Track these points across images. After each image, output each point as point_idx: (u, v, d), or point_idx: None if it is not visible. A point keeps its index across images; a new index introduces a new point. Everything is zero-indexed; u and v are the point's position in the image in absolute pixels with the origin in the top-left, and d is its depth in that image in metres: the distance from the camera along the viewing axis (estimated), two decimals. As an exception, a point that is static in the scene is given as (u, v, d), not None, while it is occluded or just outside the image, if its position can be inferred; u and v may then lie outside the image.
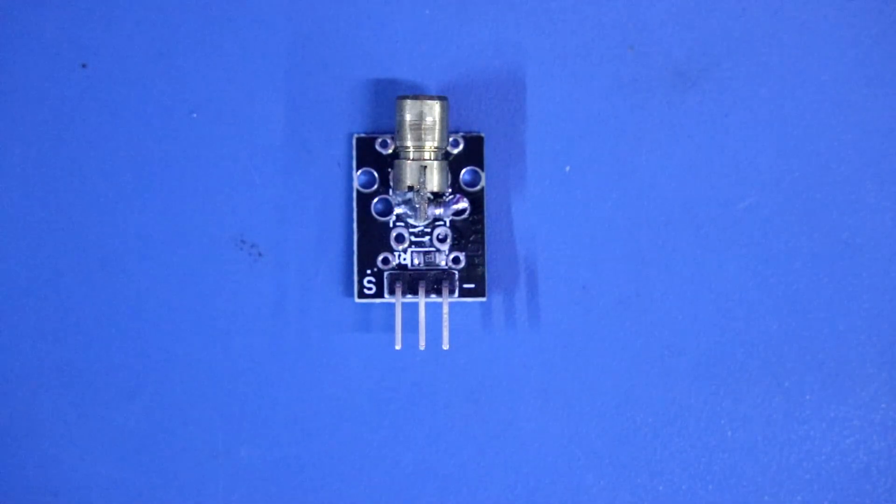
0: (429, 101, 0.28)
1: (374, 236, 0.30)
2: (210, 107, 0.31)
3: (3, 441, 0.31)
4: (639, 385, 0.31)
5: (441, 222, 0.30)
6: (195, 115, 0.31)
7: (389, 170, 0.30)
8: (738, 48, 0.31)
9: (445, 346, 0.29)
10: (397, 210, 0.30)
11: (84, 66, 0.31)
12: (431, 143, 0.28)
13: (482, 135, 0.30)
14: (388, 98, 0.31)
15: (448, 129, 0.29)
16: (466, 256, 0.30)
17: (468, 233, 0.30)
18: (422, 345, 0.29)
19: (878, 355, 0.31)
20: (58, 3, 0.30)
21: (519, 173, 0.31)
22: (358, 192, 0.30)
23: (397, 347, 0.29)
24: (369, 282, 0.30)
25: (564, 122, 0.31)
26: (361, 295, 0.30)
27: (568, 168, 0.31)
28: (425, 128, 0.28)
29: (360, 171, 0.30)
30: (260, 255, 0.31)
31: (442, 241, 0.30)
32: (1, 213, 0.31)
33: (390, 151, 0.30)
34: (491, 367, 0.31)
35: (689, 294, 0.31)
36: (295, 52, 0.31)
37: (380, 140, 0.30)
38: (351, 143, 0.30)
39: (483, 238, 0.30)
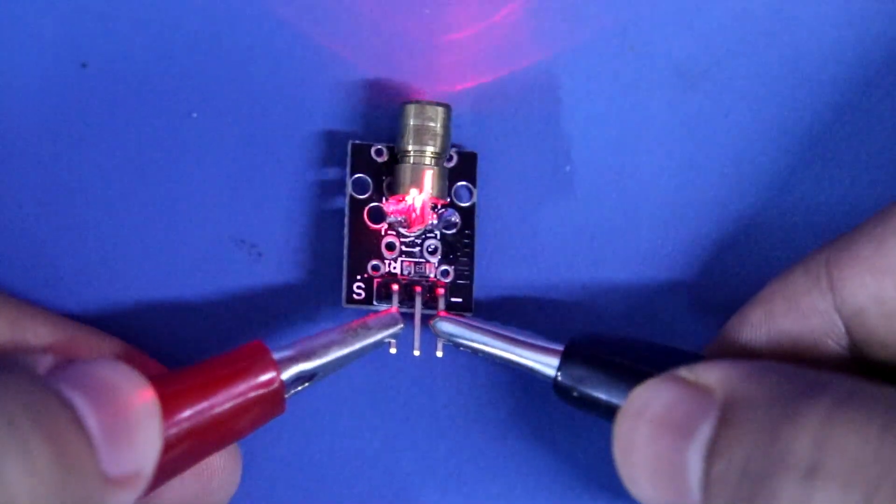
0: (433, 107, 0.28)
1: (365, 243, 0.30)
2: (210, 107, 0.31)
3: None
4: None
5: (432, 234, 0.30)
6: (195, 115, 0.31)
7: (384, 178, 0.30)
8: (738, 48, 0.31)
9: (417, 353, 0.29)
10: (390, 219, 0.29)
11: (84, 65, 0.31)
12: (433, 149, 0.28)
13: (475, 152, 0.30)
14: (382, 107, 0.31)
15: (450, 137, 0.29)
16: (455, 270, 0.30)
17: (458, 247, 0.30)
18: (416, 351, 0.29)
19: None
20: (58, 3, 0.30)
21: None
22: (351, 197, 0.30)
23: (392, 352, 0.29)
24: (359, 287, 0.29)
25: (564, 122, 0.31)
26: (350, 300, 0.29)
27: (568, 168, 0.31)
28: (428, 133, 0.28)
29: (354, 177, 0.30)
30: (260, 255, 0.31)
31: (432, 253, 0.30)
32: (1, 213, 0.31)
33: (385, 160, 0.30)
34: (484, 372, 0.31)
35: (692, 295, 0.31)
36: (296, 52, 0.31)
37: (375, 148, 0.30)
38: (346, 149, 0.30)
39: (472, 253, 0.30)
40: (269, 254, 0.31)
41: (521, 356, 0.27)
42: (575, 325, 0.30)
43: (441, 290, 0.29)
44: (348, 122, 0.31)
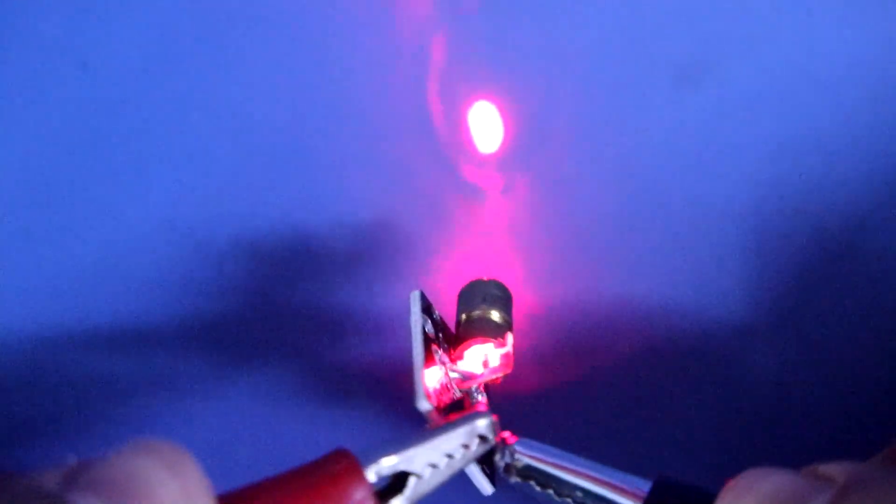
0: (492, 282, 0.29)
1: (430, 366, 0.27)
2: (210, 107, 0.31)
3: (3, 441, 0.31)
4: (641, 380, 0.31)
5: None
6: (195, 115, 0.31)
7: (437, 349, 0.28)
8: (738, 48, 0.31)
9: (489, 490, 0.26)
10: (453, 373, 0.28)
11: (84, 65, 0.30)
12: (503, 315, 0.28)
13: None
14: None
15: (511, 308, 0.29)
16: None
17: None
18: (489, 488, 0.26)
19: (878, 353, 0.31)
20: (58, 3, 0.30)
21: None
22: (424, 333, 0.27)
23: (489, 492, 0.26)
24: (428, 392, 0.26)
25: (565, 121, 0.31)
26: (425, 401, 0.25)
27: (569, 168, 0.31)
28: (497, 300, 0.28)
29: (425, 320, 0.27)
30: (259, 254, 0.31)
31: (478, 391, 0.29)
32: (1, 212, 0.31)
33: (436, 323, 0.28)
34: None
35: (693, 295, 0.31)
36: (294, 54, 0.31)
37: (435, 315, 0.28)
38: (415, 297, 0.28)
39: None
40: (269, 253, 0.31)
41: (602, 495, 0.24)
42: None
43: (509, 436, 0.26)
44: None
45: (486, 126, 0.31)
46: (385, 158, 0.31)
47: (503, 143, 0.31)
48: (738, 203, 0.31)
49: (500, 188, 0.31)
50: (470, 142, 0.31)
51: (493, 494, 0.25)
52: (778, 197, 0.31)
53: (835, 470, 0.20)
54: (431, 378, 0.26)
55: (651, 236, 0.31)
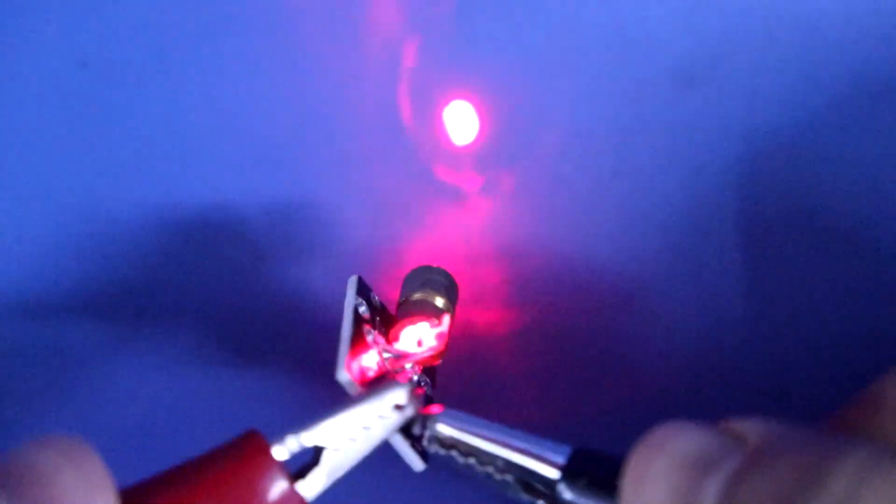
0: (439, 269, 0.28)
1: (360, 344, 0.26)
2: (210, 107, 0.31)
3: (3, 441, 0.31)
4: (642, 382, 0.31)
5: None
6: (194, 115, 0.31)
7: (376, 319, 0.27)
8: (738, 48, 0.31)
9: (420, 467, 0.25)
10: (387, 354, 0.27)
11: (84, 65, 0.31)
12: (444, 300, 0.28)
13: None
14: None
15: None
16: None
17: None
18: (419, 467, 0.25)
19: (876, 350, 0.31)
20: (58, 3, 0.30)
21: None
22: (357, 314, 0.26)
23: (419, 468, 0.25)
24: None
25: (564, 121, 0.31)
26: (345, 372, 0.25)
27: (567, 167, 0.31)
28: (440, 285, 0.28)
29: (360, 302, 0.27)
30: (260, 255, 0.31)
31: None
32: (2, 213, 0.31)
33: (374, 308, 0.27)
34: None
35: (691, 294, 0.31)
36: (292, 53, 0.31)
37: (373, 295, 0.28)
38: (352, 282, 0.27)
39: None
40: (269, 254, 0.31)
41: (522, 465, 0.23)
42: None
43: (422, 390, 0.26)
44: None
45: (462, 123, 0.31)
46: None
47: (481, 139, 0.31)
48: (736, 204, 0.31)
49: (479, 186, 0.31)
50: (446, 138, 0.31)
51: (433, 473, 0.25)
52: (777, 196, 0.31)
53: (749, 428, 0.19)
54: (367, 361, 0.25)
55: (648, 237, 0.31)
